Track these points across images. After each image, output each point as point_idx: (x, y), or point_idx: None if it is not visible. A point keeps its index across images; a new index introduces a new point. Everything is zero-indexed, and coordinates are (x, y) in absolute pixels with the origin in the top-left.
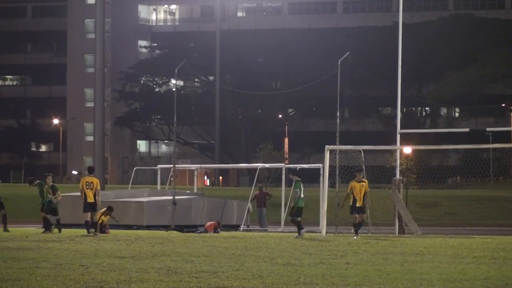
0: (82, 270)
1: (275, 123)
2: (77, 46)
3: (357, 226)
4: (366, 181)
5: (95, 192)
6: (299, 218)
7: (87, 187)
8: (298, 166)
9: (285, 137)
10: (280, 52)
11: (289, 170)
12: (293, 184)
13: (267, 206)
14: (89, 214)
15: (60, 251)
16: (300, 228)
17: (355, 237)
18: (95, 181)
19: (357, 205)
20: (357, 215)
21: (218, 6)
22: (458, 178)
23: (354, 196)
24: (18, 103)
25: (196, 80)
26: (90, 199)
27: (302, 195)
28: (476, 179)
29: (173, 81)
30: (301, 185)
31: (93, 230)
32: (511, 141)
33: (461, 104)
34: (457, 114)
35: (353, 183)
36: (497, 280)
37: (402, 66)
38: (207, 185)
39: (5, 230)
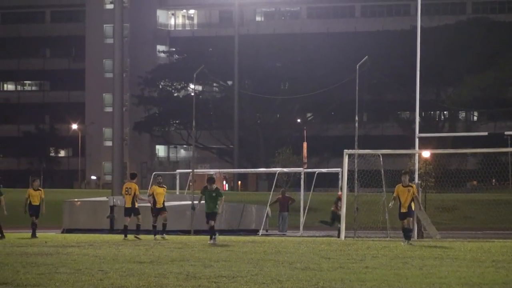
0: (101, 275)
1: (294, 128)
2: (95, 51)
3: (404, 231)
4: (414, 185)
5: (133, 197)
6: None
7: (126, 192)
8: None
9: (304, 141)
10: (298, 57)
11: (208, 180)
12: (215, 191)
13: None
14: (127, 219)
15: (79, 256)
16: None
17: (403, 244)
18: (133, 186)
19: (401, 211)
20: (404, 221)
21: (237, 10)
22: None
23: (400, 201)
24: (37, 109)
25: (214, 84)
26: (128, 205)
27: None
28: (494, 183)
29: (192, 86)
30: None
31: (134, 235)
32: None
33: (480, 108)
34: (475, 118)
35: (398, 187)
36: None
37: (420, 70)
38: (226, 190)
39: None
